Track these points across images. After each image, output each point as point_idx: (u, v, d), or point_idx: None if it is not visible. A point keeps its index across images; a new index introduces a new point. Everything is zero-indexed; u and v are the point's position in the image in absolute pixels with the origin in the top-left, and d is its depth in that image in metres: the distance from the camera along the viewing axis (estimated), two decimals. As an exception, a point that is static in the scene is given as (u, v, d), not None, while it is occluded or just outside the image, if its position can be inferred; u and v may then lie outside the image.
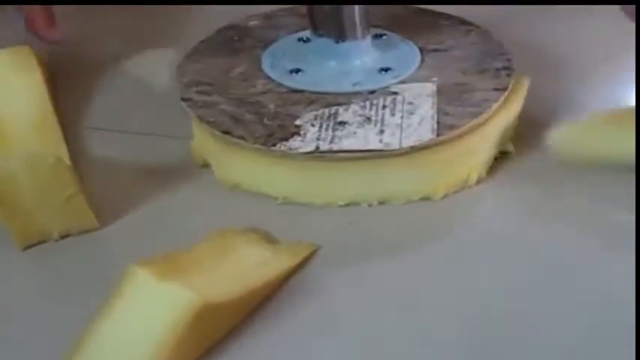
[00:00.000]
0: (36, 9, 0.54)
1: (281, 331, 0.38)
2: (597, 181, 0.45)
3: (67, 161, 0.43)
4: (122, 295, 0.36)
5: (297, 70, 0.49)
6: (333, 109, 0.46)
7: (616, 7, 0.48)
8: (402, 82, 0.48)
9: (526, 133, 0.48)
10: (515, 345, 0.37)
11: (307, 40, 0.52)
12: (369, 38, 0.50)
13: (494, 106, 0.46)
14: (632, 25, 0.47)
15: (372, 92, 0.47)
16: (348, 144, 0.43)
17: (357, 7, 0.49)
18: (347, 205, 0.45)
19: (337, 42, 0.49)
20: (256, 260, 0.40)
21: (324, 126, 0.45)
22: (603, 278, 0.40)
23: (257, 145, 0.44)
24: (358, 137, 0.44)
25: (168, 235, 0.44)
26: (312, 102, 0.47)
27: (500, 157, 0.47)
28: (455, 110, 0.45)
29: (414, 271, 0.41)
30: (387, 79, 0.48)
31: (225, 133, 0.45)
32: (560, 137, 0.43)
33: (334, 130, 0.44)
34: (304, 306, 0.39)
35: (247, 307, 0.39)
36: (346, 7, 0.49)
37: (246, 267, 0.40)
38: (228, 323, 0.38)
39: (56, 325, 0.39)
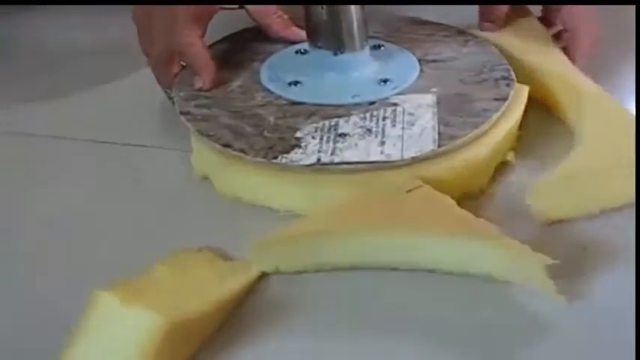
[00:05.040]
0: None
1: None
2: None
3: None
4: (89, 320, 0.35)
5: (296, 83, 0.49)
6: (334, 121, 0.46)
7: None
8: (402, 93, 0.48)
9: (526, 142, 0.48)
10: None
11: (305, 52, 0.52)
12: (367, 49, 0.50)
13: (495, 116, 0.46)
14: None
15: (372, 103, 0.47)
16: (349, 156, 0.43)
17: (355, 18, 0.49)
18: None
19: (335, 54, 0.49)
20: (215, 277, 0.40)
21: (325, 138, 0.45)
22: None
23: (258, 158, 0.44)
24: (359, 149, 0.44)
25: (168, 248, 0.43)
26: (311, 114, 0.47)
27: (501, 167, 0.47)
28: (456, 121, 0.45)
29: (409, 281, 0.41)
30: (386, 91, 0.48)
31: (226, 146, 0.44)
32: (539, 197, 0.42)
33: (335, 142, 0.44)
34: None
35: (212, 324, 0.38)
36: (344, 18, 0.48)
37: (207, 284, 0.40)
38: (195, 342, 0.37)
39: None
